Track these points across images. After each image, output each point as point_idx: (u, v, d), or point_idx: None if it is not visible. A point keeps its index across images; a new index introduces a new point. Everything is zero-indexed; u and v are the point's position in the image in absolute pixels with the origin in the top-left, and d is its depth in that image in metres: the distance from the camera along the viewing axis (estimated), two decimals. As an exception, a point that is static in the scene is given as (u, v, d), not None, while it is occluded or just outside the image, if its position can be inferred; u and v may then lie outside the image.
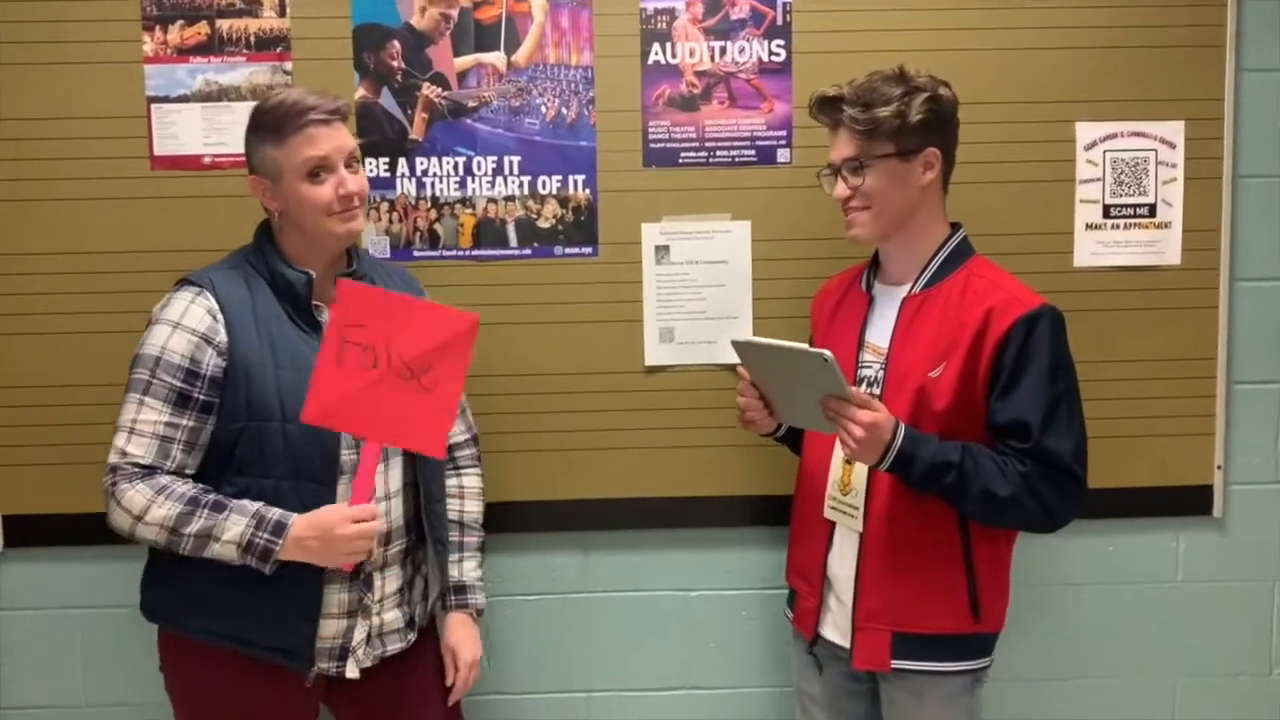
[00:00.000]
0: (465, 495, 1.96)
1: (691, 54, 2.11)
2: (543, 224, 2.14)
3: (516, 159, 2.12)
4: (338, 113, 1.72)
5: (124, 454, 1.66)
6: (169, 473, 1.67)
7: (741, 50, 2.11)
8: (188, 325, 1.67)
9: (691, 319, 2.15)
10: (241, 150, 2.03)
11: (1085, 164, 2.15)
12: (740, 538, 2.21)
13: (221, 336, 1.67)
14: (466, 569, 1.93)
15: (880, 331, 1.79)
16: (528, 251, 2.14)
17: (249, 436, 1.67)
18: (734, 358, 2.12)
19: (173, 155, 2.09)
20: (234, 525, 1.62)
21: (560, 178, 2.13)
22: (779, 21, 2.11)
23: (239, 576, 1.66)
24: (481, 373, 2.08)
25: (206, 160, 2.10)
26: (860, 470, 1.75)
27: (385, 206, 2.11)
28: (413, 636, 1.85)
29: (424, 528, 1.84)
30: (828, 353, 1.56)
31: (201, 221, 2.09)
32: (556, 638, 2.24)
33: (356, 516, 1.63)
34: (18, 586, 2.18)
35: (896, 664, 1.74)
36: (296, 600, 1.69)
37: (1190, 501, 2.22)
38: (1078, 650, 2.27)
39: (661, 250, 2.14)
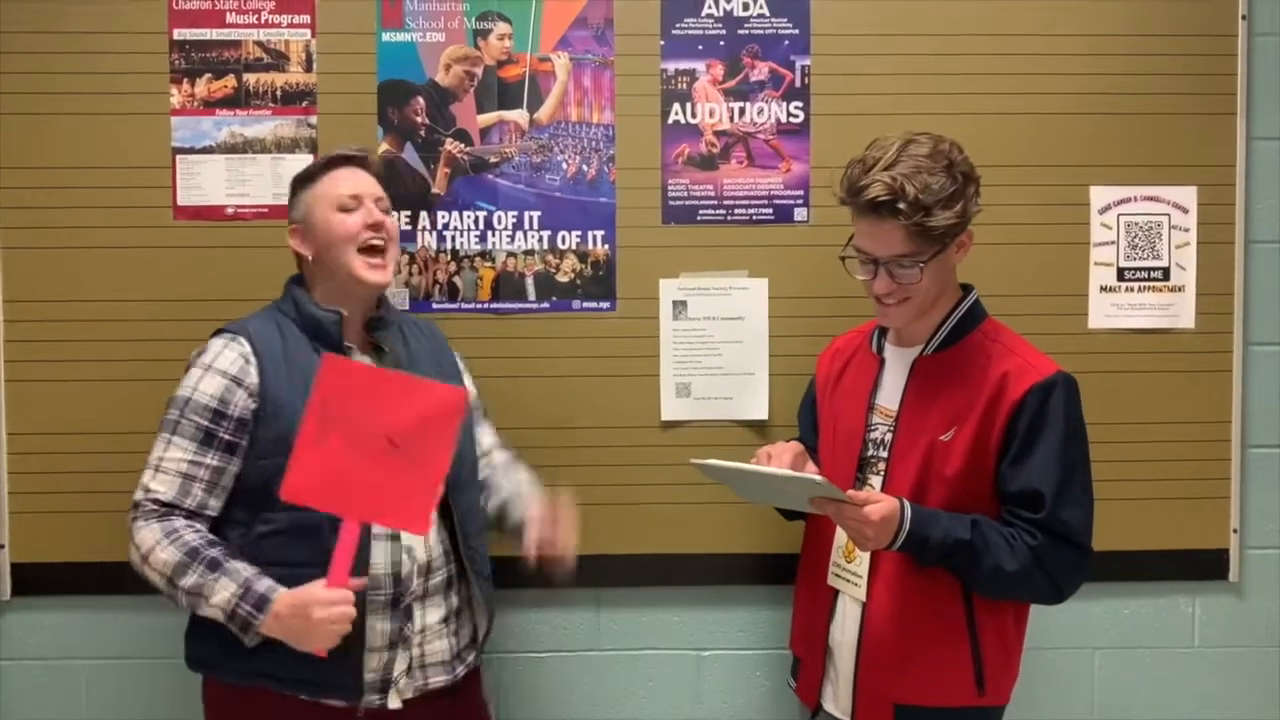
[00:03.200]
0: (508, 479, 1.95)
1: (711, 114, 2.14)
2: (561, 278, 2.15)
3: (537, 214, 2.14)
4: (364, 155, 1.82)
5: (146, 490, 1.68)
6: (188, 512, 1.68)
7: (760, 111, 2.14)
8: (219, 368, 1.71)
9: (708, 374, 2.16)
10: (265, 201, 2.08)
11: (1100, 227, 2.17)
12: (754, 596, 2.19)
13: (253, 379, 1.71)
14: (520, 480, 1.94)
15: (890, 393, 1.76)
16: (546, 305, 2.16)
17: (282, 470, 1.65)
18: (753, 414, 2.15)
19: (196, 206, 2.12)
20: (222, 590, 1.62)
21: (580, 233, 2.15)
22: (797, 84, 2.14)
23: None
24: (498, 425, 2.08)
25: (229, 211, 2.12)
26: None
27: (406, 259, 2.13)
28: (460, 670, 1.83)
29: (463, 564, 1.82)
30: (819, 477, 1.56)
31: (223, 272, 2.11)
32: (568, 695, 2.21)
33: (331, 600, 1.60)
34: (24, 635, 2.16)
35: None
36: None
37: (1206, 566, 2.21)
38: (1092, 715, 2.24)
39: (679, 306, 2.16)
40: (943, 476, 1.66)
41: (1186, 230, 2.18)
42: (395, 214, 2.09)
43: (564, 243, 2.15)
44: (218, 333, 1.78)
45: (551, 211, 2.14)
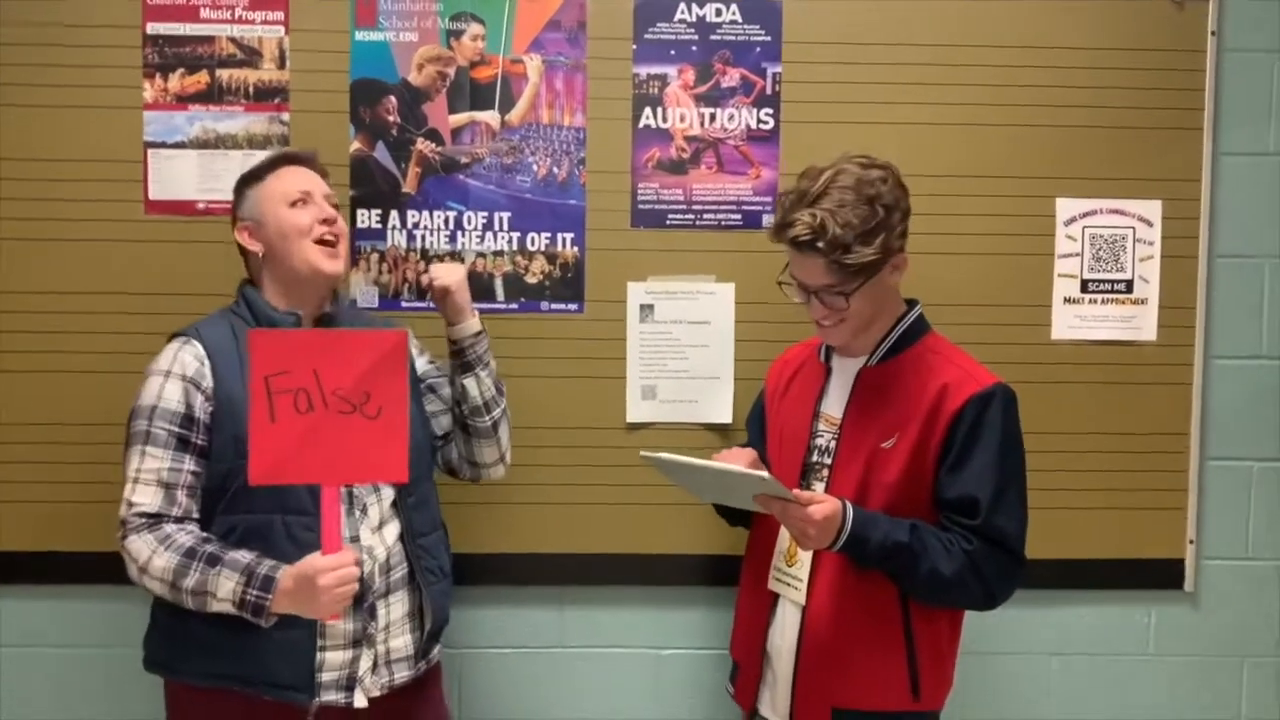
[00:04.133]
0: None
1: (682, 119, 2.16)
2: (530, 279, 2.17)
3: (507, 215, 2.15)
4: (310, 155, 1.86)
5: (130, 504, 1.68)
6: (176, 519, 1.69)
7: (731, 117, 2.16)
8: (177, 372, 1.72)
9: (674, 378, 2.18)
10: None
11: (1065, 239, 2.19)
12: (715, 597, 2.21)
13: (208, 381, 1.72)
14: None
15: (835, 402, 1.80)
16: (514, 306, 2.17)
17: (236, 474, 1.68)
18: (717, 417, 2.17)
19: (167, 200, 2.13)
20: (227, 581, 1.63)
21: (549, 235, 2.16)
22: (768, 91, 2.16)
23: (234, 617, 1.66)
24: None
25: (200, 206, 2.13)
26: None
27: (376, 257, 2.14)
28: (423, 666, 1.86)
29: (410, 563, 1.83)
30: (766, 474, 1.59)
31: (193, 265, 2.12)
32: (531, 691, 2.24)
33: (333, 565, 1.61)
34: (13, 622, 2.17)
35: None
36: (294, 633, 1.69)
37: (1162, 575, 2.24)
38: (1049, 720, 2.28)
39: (646, 309, 2.17)
40: (883, 483, 1.70)
41: (1151, 244, 2.20)
42: (366, 212, 2.13)
43: (533, 244, 2.16)
44: (172, 337, 1.79)
45: (521, 213, 2.16)
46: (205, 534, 1.70)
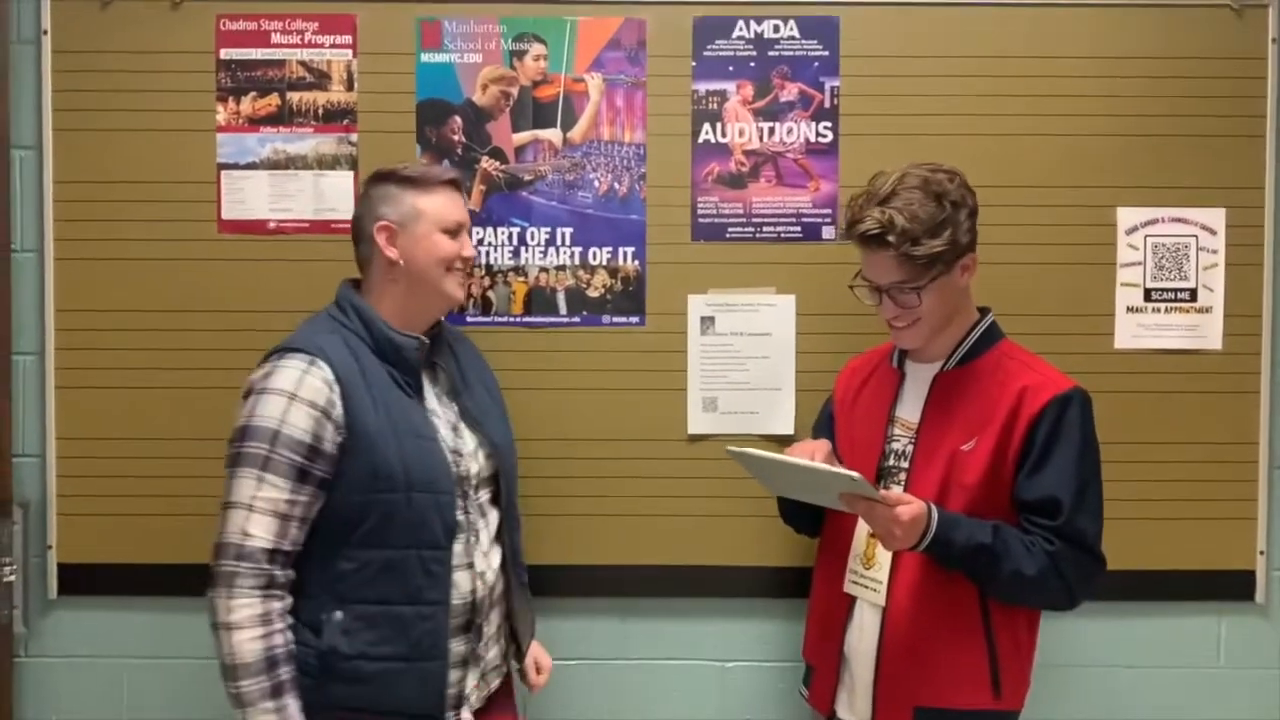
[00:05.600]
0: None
1: (741, 134, 2.18)
2: (592, 293, 2.20)
3: (569, 230, 2.19)
4: (464, 182, 1.92)
5: (246, 534, 1.61)
6: (285, 559, 1.64)
7: (789, 131, 2.18)
8: (305, 398, 1.64)
9: (735, 389, 2.19)
10: (306, 216, 2.12)
11: (1126, 248, 2.18)
12: (776, 609, 2.22)
13: (339, 410, 1.65)
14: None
15: (911, 407, 1.83)
16: (577, 320, 2.20)
17: (374, 509, 1.66)
18: (778, 429, 2.19)
19: (240, 219, 2.18)
20: None
21: (610, 249, 2.19)
22: (826, 105, 2.18)
23: (373, 647, 1.67)
24: (527, 436, 2.13)
25: (272, 225, 2.18)
26: None
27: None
28: (505, 671, 1.89)
29: (509, 577, 1.86)
30: (856, 474, 1.59)
31: (264, 283, 2.17)
32: (591, 703, 2.25)
33: None
34: (69, 633, 2.22)
35: None
36: (432, 665, 1.71)
37: (1233, 586, 2.21)
38: (1117, 734, 2.25)
39: (707, 321, 2.19)
40: (963, 484, 1.72)
41: (1214, 252, 2.18)
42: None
43: (595, 259, 2.19)
44: (283, 351, 1.69)
45: (583, 228, 2.19)
46: (292, 643, 1.64)
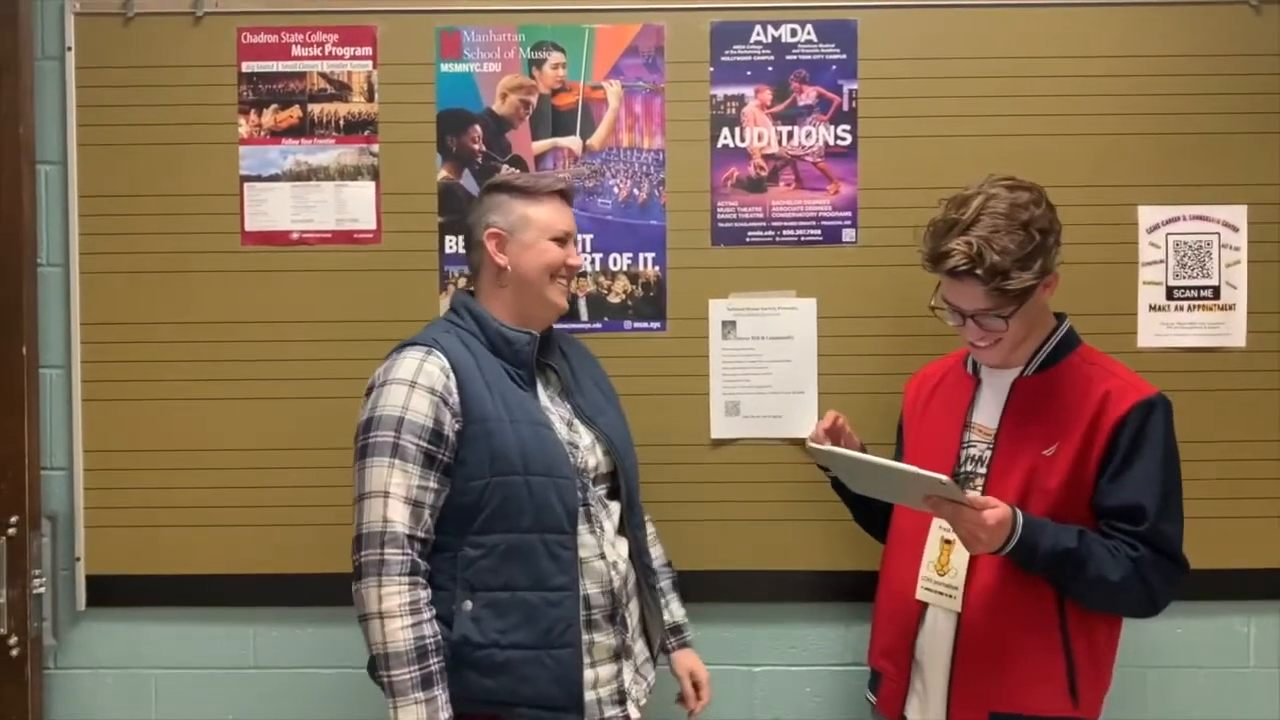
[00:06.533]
0: (647, 543, 1.99)
1: (760, 138, 2.19)
2: (613, 299, 2.20)
3: (589, 237, 2.19)
4: (573, 191, 1.94)
5: (388, 520, 1.63)
6: (422, 545, 1.66)
7: (808, 135, 2.18)
8: (424, 384, 1.68)
9: (757, 393, 2.19)
10: (328, 227, 2.14)
11: (1148, 246, 2.18)
12: (805, 613, 2.22)
13: (455, 396, 1.69)
14: (675, 610, 2.01)
15: (988, 412, 1.82)
16: (598, 325, 2.21)
17: (494, 492, 1.68)
18: (802, 432, 2.18)
19: (263, 231, 2.20)
20: (413, 712, 1.61)
21: (631, 255, 2.20)
22: (845, 108, 2.18)
23: (503, 635, 1.68)
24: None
25: (294, 236, 2.20)
26: (960, 552, 1.75)
27: (463, 281, 2.19)
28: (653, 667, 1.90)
29: (638, 572, 1.86)
30: (945, 477, 1.59)
31: (288, 294, 2.19)
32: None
33: None
34: (98, 644, 2.24)
35: None
36: (563, 653, 1.70)
37: (1261, 585, 2.19)
38: (1146, 735, 2.24)
39: (728, 326, 2.20)
40: (1045, 490, 1.72)
41: (1237, 249, 2.18)
42: (454, 238, 2.18)
43: (615, 264, 2.20)
44: (402, 347, 1.74)
45: (603, 234, 2.20)
46: (440, 633, 1.65)
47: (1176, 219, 2.18)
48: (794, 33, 2.18)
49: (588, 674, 1.73)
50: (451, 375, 1.69)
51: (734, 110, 2.19)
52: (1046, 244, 1.69)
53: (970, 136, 2.17)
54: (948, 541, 1.78)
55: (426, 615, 1.65)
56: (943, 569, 1.79)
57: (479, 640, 1.67)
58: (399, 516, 1.64)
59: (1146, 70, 2.17)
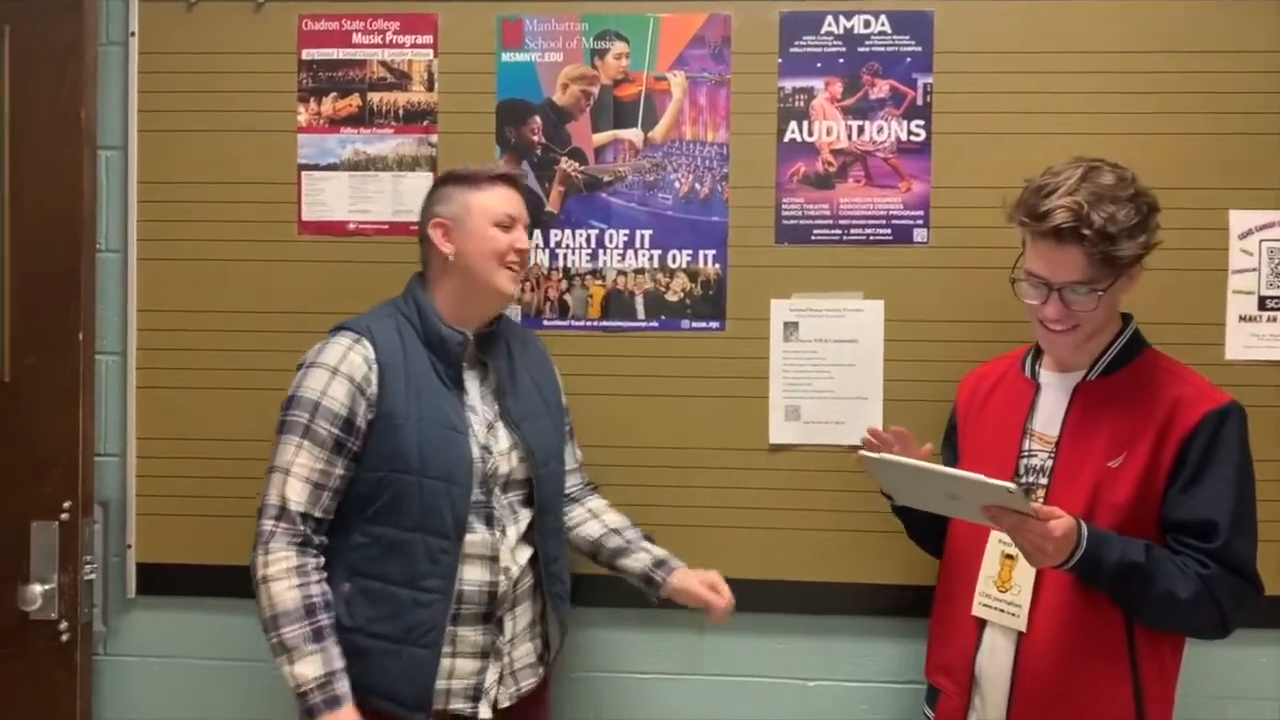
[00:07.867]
0: (598, 513, 2.00)
1: (829, 133, 2.11)
2: (671, 297, 2.14)
3: (648, 233, 2.14)
4: (522, 178, 1.94)
5: (284, 498, 1.70)
6: (315, 521, 1.71)
7: (880, 130, 2.10)
8: (345, 372, 1.73)
9: (819, 398, 2.12)
10: (385, 218, 2.12)
11: (1239, 253, 2.06)
12: (861, 627, 2.14)
13: (373, 389, 1.73)
14: (653, 550, 1.95)
15: (1049, 419, 1.73)
16: (655, 324, 2.15)
17: (387, 487, 1.72)
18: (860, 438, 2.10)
19: (319, 221, 2.17)
20: (309, 665, 1.65)
21: (690, 252, 2.13)
22: (919, 102, 2.09)
23: (370, 624, 1.71)
24: (603, 443, 2.09)
25: (351, 226, 2.17)
26: (1024, 568, 1.67)
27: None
28: (543, 671, 1.88)
29: (540, 582, 1.85)
30: (1013, 485, 1.50)
31: (343, 284, 2.16)
32: (666, 718, 2.18)
33: None
34: (147, 632, 2.23)
35: None
36: (421, 651, 1.71)
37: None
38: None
39: (790, 327, 2.12)
40: (1112, 504, 1.62)
41: (1336, 257, 2.05)
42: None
43: (674, 261, 2.14)
44: (337, 329, 1.80)
45: (663, 230, 2.13)
46: (329, 594, 1.70)
47: (1271, 224, 2.06)
48: (867, 24, 2.10)
49: (445, 663, 1.74)
50: (374, 367, 1.73)
51: (802, 103, 2.11)
52: (1150, 222, 1.61)
53: (1050, 134, 2.06)
54: (1009, 556, 1.69)
55: (314, 578, 1.69)
56: (1004, 585, 1.70)
57: (347, 623, 1.71)
58: (295, 495, 1.69)
59: (1241, 66, 2.06)
